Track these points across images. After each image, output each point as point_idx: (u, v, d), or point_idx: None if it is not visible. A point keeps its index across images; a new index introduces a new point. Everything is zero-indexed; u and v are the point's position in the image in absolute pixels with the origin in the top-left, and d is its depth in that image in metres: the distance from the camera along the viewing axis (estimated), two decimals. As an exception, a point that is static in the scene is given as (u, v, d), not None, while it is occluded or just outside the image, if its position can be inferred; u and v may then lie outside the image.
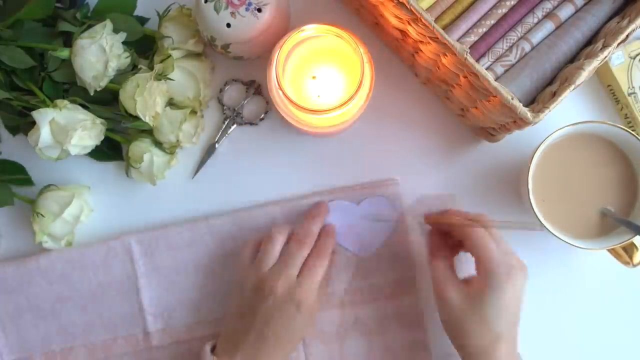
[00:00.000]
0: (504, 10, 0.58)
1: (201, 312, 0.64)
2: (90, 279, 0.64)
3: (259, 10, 0.59)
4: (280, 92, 0.56)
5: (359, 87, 0.55)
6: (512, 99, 0.50)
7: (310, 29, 0.56)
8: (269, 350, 0.56)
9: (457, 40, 0.57)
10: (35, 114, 0.59)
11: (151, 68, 0.61)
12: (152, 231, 0.65)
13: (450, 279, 0.56)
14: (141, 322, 0.64)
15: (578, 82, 0.51)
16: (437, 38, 0.51)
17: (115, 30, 0.60)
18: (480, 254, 0.55)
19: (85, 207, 0.64)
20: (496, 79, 0.56)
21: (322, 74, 0.62)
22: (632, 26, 0.52)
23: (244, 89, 0.67)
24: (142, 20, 0.66)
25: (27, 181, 0.66)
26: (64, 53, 0.60)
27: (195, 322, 0.64)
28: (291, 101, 0.55)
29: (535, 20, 0.58)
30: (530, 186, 0.58)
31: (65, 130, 0.58)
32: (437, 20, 0.58)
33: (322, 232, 0.62)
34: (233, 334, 0.58)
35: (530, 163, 0.59)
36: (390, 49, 0.67)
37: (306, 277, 0.58)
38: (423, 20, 0.50)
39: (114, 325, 0.64)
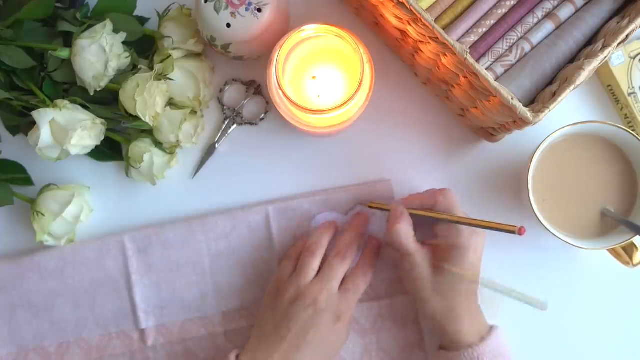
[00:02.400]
0: (504, 10, 0.58)
1: (193, 310, 0.64)
2: (83, 275, 0.64)
3: (259, 10, 0.59)
4: (280, 92, 0.56)
5: (359, 87, 0.55)
6: (512, 99, 0.50)
7: (310, 29, 0.57)
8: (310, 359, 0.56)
9: (457, 40, 0.57)
10: (35, 114, 0.59)
11: (151, 68, 0.61)
12: (146, 229, 0.65)
13: (418, 249, 0.57)
14: (133, 318, 0.64)
15: (578, 82, 0.51)
16: (437, 38, 0.51)
17: (115, 30, 0.60)
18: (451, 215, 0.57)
19: (85, 207, 0.64)
20: (496, 79, 0.56)
21: (322, 74, 0.62)
22: (632, 26, 0.52)
23: (244, 89, 0.67)
24: (142, 20, 0.66)
25: (27, 181, 0.66)
26: (64, 53, 0.60)
27: (188, 319, 0.64)
28: (291, 101, 0.55)
29: (535, 20, 0.58)
30: (530, 186, 0.58)
31: (65, 130, 0.58)
32: (437, 20, 0.58)
33: (368, 247, 0.62)
34: (264, 343, 0.57)
35: (530, 163, 0.59)
36: (390, 49, 0.67)
37: (349, 292, 0.58)
38: (423, 20, 0.50)
39: (106, 322, 0.64)
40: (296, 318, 0.56)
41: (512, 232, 0.50)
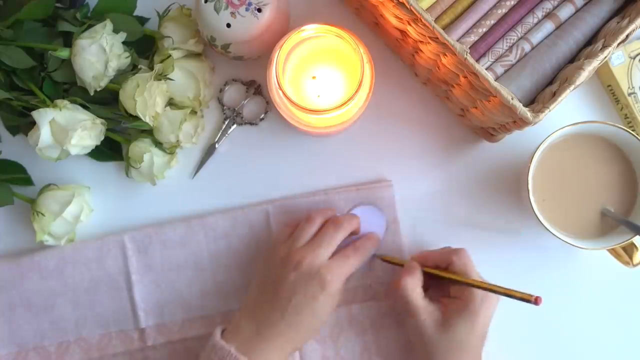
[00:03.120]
0: (504, 10, 0.58)
1: (193, 310, 0.64)
2: (83, 275, 0.64)
3: (259, 10, 0.59)
4: (280, 92, 0.56)
5: (359, 87, 0.55)
6: (512, 99, 0.50)
7: (310, 29, 0.57)
8: (287, 324, 0.55)
9: (457, 40, 0.57)
10: (35, 114, 0.59)
11: (151, 68, 0.61)
12: (146, 228, 0.65)
13: (425, 304, 0.57)
14: (133, 318, 0.64)
15: (578, 82, 0.51)
16: (437, 38, 0.51)
17: (115, 30, 0.60)
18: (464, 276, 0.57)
19: (85, 207, 0.64)
20: (496, 79, 0.56)
21: (322, 74, 0.62)
22: (632, 26, 0.52)
23: (244, 89, 0.67)
24: (142, 20, 0.66)
25: (27, 181, 0.66)
26: (64, 53, 0.60)
27: (187, 319, 0.64)
28: (291, 101, 0.55)
29: (535, 20, 0.58)
30: (530, 186, 0.58)
31: (65, 130, 0.58)
32: (437, 20, 0.58)
33: (366, 235, 0.62)
34: (253, 306, 0.57)
35: (530, 163, 0.59)
36: (390, 49, 0.67)
37: (337, 261, 0.57)
38: (423, 20, 0.50)
39: (106, 321, 0.64)
40: (282, 281, 0.56)
41: (528, 301, 0.51)
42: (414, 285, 0.57)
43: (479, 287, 0.55)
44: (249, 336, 0.55)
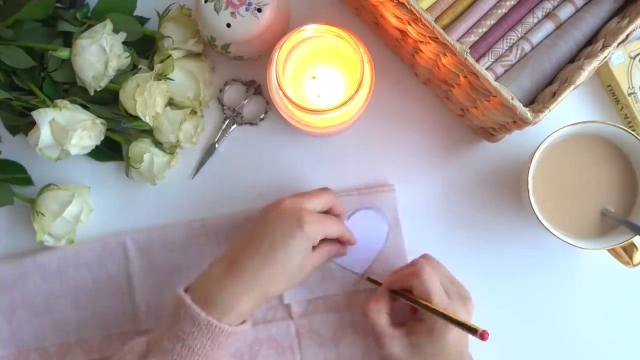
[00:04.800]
0: (504, 10, 0.58)
1: None
2: (84, 276, 0.64)
3: (259, 10, 0.59)
4: (280, 92, 0.56)
5: (359, 87, 0.55)
6: (512, 99, 0.50)
7: (310, 29, 0.56)
8: (261, 261, 0.53)
9: (457, 40, 0.57)
10: (35, 114, 0.59)
11: (151, 68, 0.61)
12: (148, 230, 0.65)
13: (390, 331, 0.56)
14: (134, 320, 0.64)
15: (578, 82, 0.51)
16: (437, 38, 0.51)
17: (115, 30, 0.60)
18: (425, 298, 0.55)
19: (85, 207, 0.64)
20: (496, 79, 0.56)
21: (322, 74, 0.62)
22: (632, 26, 0.52)
23: (244, 89, 0.67)
24: (142, 20, 0.66)
25: (27, 180, 0.66)
26: (64, 53, 0.60)
27: None
28: (291, 101, 0.55)
29: (535, 20, 0.58)
30: (530, 186, 0.58)
31: (65, 130, 0.58)
32: (437, 20, 0.58)
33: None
34: (230, 248, 0.56)
35: (530, 163, 0.59)
36: (390, 49, 0.67)
37: (319, 215, 0.57)
38: (423, 20, 0.50)
39: (106, 323, 0.64)
40: (262, 220, 0.56)
41: (474, 334, 0.50)
42: (379, 311, 0.57)
43: (432, 311, 0.54)
44: (218, 279, 0.53)
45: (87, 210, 0.64)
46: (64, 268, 0.64)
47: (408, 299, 0.57)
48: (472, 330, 0.50)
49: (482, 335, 0.49)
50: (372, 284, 0.63)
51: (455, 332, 0.54)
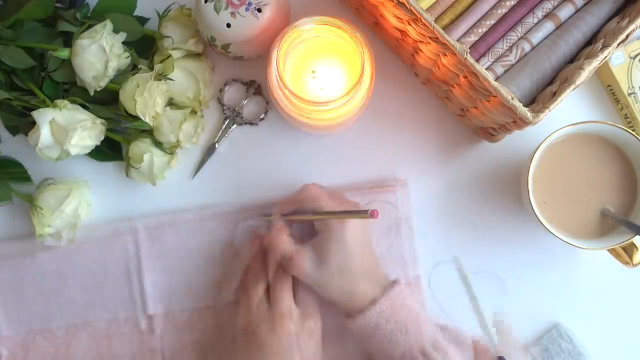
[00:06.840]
0: (504, 10, 0.58)
1: (202, 299, 0.64)
2: (94, 259, 0.65)
3: (259, 10, 0.59)
4: (281, 83, 0.55)
5: (361, 75, 0.54)
6: (512, 99, 0.50)
7: (306, 22, 0.56)
8: None
9: (457, 40, 0.57)
10: (35, 114, 0.59)
11: (151, 68, 0.61)
12: (159, 216, 0.65)
13: (297, 248, 0.58)
14: (142, 304, 0.64)
15: (578, 82, 0.51)
16: (437, 38, 0.51)
17: (115, 30, 0.60)
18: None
19: (84, 202, 0.64)
20: (496, 79, 0.56)
21: (322, 69, 0.61)
22: (632, 26, 0.52)
23: (244, 89, 0.67)
24: (142, 20, 0.66)
25: (26, 178, 0.66)
26: (64, 53, 0.60)
27: (196, 308, 0.64)
28: (293, 93, 0.54)
29: (535, 20, 0.58)
30: (530, 186, 0.58)
31: (65, 130, 0.58)
32: (437, 20, 0.58)
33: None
34: None
35: (530, 163, 0.59)
36: (390, 49, 0.67)
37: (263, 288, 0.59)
38: (423, 20, 0.50)
39: (114, 306, 0.64)
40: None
41: (366, 216, 0.51)
42: (280, 236, 0.59)
43: (320, 218, 0.57)
44: None
45: (86, 205, 0.64)
46: (73, 249, 0.65)
47: (301, 217, 0.59)
48: (363, 213, 0.51)
49: (372, 214, 0.50)
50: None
51: (351, 226, 0.57)
